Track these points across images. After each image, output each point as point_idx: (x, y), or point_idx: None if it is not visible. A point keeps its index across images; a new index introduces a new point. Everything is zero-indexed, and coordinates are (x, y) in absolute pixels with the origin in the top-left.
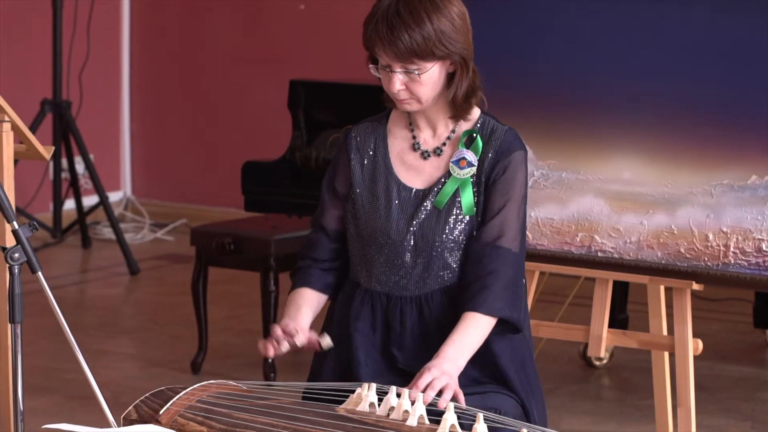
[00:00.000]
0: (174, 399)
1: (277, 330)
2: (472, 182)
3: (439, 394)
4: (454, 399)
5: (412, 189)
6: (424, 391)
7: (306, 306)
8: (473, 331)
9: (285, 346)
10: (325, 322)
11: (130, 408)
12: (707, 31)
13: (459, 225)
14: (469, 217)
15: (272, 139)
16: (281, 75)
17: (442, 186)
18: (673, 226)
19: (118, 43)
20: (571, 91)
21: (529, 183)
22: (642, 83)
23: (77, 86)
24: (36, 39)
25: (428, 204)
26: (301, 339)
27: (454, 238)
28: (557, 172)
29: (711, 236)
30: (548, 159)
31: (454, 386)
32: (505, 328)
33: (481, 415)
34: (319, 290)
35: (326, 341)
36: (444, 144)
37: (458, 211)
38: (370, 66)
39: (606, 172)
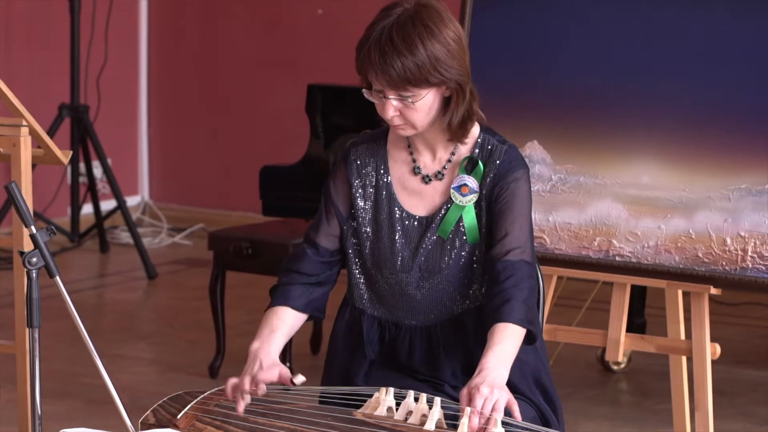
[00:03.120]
0: (192, 403)
1: (246, 384)
2: (474, 206)
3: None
4: (507, 410)
5: (415, 216)
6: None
7: (280, 329)
8: (509, 339)
9: (248, 400)
10: (328, 349)
11: (147, 412)
12: (727, 35)
13: (464, 253)
14: (472, 244)
15: (290, 143)
16: (299, 79)
17: (445, 214)
18: (690, 231)
19: (136, 47)
20: (590, 96)
21: (547, 187)
22: (660, 87)
23: (95, 91)
24: (54, 44)
25: (432, 233)
26: (263, 389)
27: (461, 266)
28: (575, 177)
29: (729, 240)
30: (566, 163)
31: (506, 397)
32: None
33: (499, 419)
34: (298, 309)
35: (299, 379)
36: (445, 168)
37: (463, 239)
38: (364, 91)
39: (624, 176)
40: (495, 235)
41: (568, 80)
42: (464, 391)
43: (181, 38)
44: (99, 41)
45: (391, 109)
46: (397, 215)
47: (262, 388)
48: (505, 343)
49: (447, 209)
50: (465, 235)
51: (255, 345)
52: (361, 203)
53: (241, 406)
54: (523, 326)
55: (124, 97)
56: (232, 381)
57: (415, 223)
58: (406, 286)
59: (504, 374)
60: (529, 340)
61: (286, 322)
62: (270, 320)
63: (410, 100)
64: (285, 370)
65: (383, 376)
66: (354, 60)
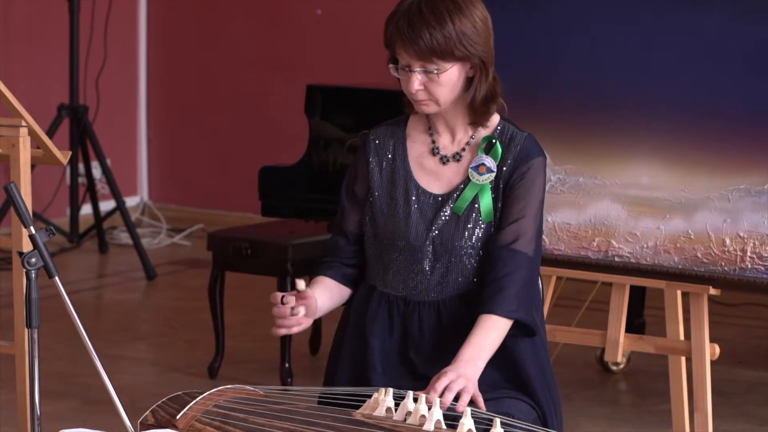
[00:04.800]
0: (191, 404)
1: (277, 296)
2: (490, 188)
3: (458, 398)
4: (472, 402)
5: (431, 193)
6: (441, 395)
7: (319, 286)
8: (491, 332)
9: (292, 302)
10: (339, 324)
11: (146, 413)
12: (726, 36)
13: (478, 231)
14: (488, 223)
15: (289, 144)
16: (298, 80)
17: (461, 192)
18: (690, 231)
19: (135, 48)
20: (589, 96)
21: (546, 188)
22: (660, 88)
23: (94, 91)
24: (53, 44)
25: (447, 210)
26: (302, 286)
27: (473, 243)
28: (574, 177)
29: (728, 241)
30: (565, 164)
31: (472, 389)
32: (519, 332)
33: (498, 420)
34: (337, 280)
35: (301, 285)
36: (463, 149)
37: (477, 217)
38: (390, 66)
39: (623, 176)
40: (504, 221)
41: (568, 81)
42: (433, 378)
43: (180, 38)
44: (98, 41)
45: (416, 82)
46: (413, 191)
47: (301, 285)
48: (486, 335)
49: (463, 188)
50: (480, 213)
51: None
52: (377, 179)
53: (283, 331)
54: (510, 317)
55: (123, 97)
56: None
57: (431, 199)
58: (419, 260)
59: (479, 366)
60: (527, 332)
61: (325, 282)
62: (311, 284)
63: (435, 72)
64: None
65: (385, 375)
66: (351, 62)
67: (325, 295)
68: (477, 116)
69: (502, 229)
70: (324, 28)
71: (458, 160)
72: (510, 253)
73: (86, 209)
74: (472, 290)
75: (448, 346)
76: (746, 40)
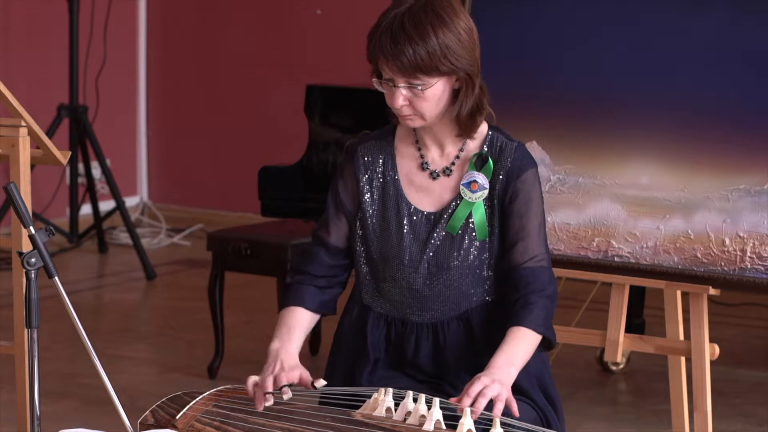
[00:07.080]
0: (191, 404)
1: (269, 385)
2: (484, 204)
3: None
4: (506, 408)
5: (423, 212)
6: (475, 400)
7: (298, 328)
8: (521, 342)
9: (271, 401)
10: (332, 347)
11: (146, 413)
12: (725, 36)
13: (473, 250)
14: (482, 241)
15: (289, 144)
16: (298, 80)
17: (454, 210)
18: (689, 231)
19: (135, 48)
20: (589, 96)
21: (546, 188)
22: (659, 88)
23: (94, 91)
24: (53, 44)
25: (441, 229)
26: (289, 395)
27: (469, 263)
28: (574, 177)
29: (728, 241)
30: (565, 164)
31: (505, 395)
32: (539, 346)
33: (498, 420)
34: (312, 310)
35: (320, 383)
36: (453, 164)
37: (472, 236)
38: (374, 80)
39: (623, 176)
40: (512, 240)
41: (568, 81)
42: (467, 384)
43: (179, 38)
44: (98, 42)
45: (401, 98)
46: (404, 211)
47: (289, 394)
48: (517, 344)
49: (456, 205)
50: (474, 232)
51: (275, 345)
52: (368, 198)
53: (261, 405)
54: (539, 332)
55: (122, 97)
56: (253, 378)
57: (423, 218)
58: (414, 281)
59: (512, 373)
60: (547, 346)
61: (302, 321)
62: (287, 319)
63: (420, 88)
64: (306, 374)
65: (385, 376)
66: (350, 62)
67: (302, 336)
68: (464, 129)
69: (511, 247)
70: (324, 28)
71: (448, 175)
72: (529, 272)
73: (86, 209)
74: (471, 311)
75: (445, 368)
76: (746, 40)
